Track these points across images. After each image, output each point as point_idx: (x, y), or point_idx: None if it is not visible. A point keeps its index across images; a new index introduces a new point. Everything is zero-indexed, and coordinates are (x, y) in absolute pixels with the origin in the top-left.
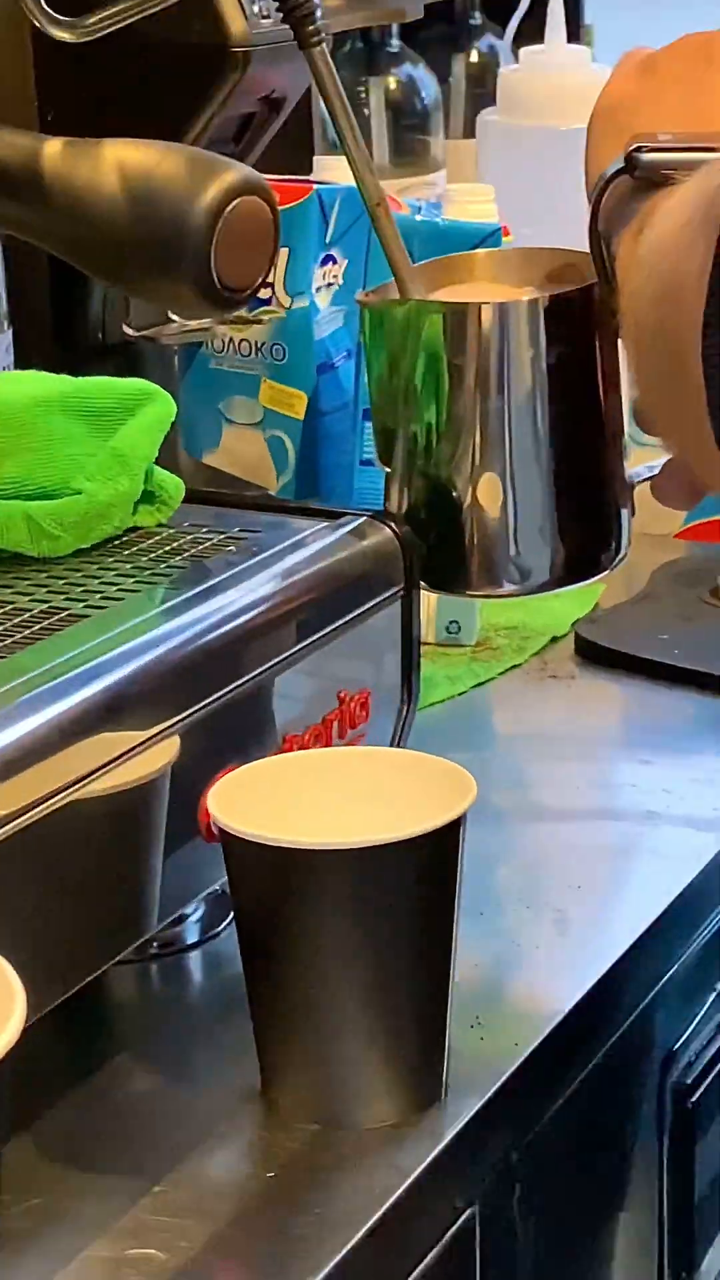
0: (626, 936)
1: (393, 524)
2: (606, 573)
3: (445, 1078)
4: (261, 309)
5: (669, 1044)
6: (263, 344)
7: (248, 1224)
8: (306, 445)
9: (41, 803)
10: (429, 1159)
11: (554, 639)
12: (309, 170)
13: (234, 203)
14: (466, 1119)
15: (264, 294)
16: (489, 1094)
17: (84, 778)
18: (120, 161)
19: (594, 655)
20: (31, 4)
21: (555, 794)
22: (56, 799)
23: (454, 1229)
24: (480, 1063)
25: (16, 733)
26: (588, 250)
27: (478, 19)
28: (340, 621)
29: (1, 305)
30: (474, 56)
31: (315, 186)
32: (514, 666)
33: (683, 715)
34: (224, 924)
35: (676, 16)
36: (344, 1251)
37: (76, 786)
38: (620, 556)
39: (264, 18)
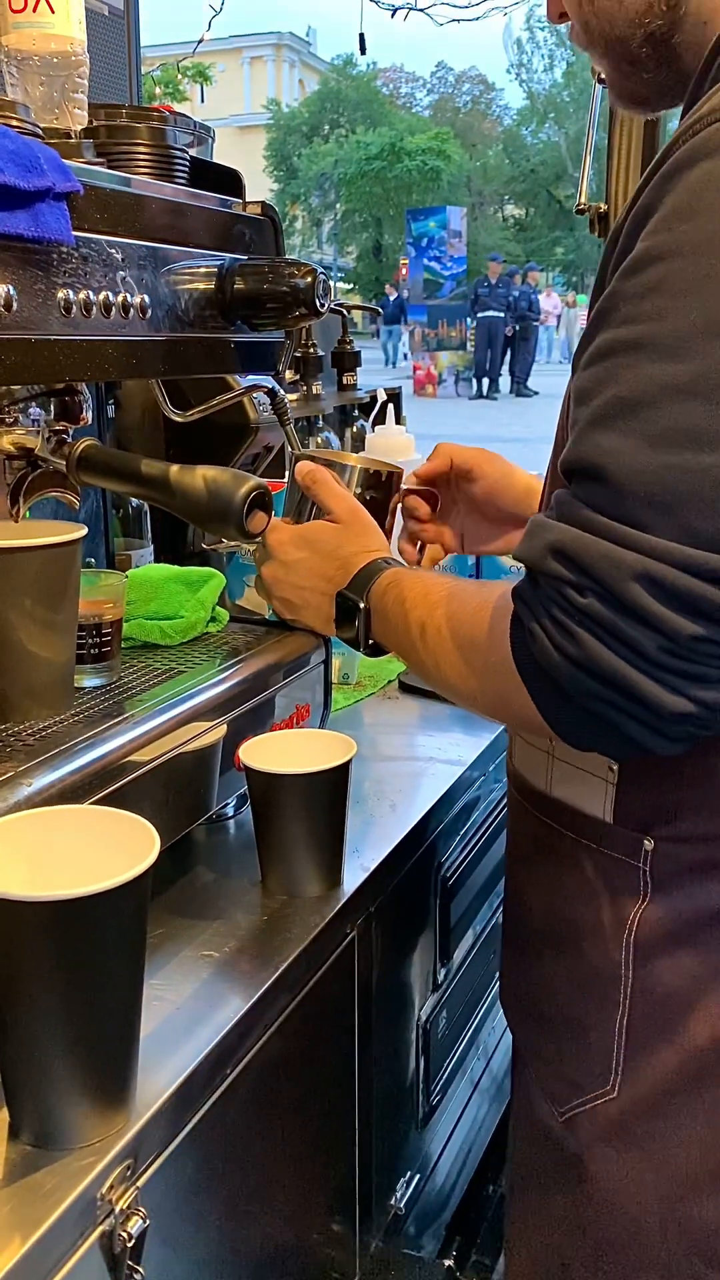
0: (420, 810)
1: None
2: None
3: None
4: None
5: (440, 858)
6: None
7: (252, 949)
8: None
9: (170, 751)
10: (337, 908)
11: (390, 680)
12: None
13: (253, 493)
14: (353, 890)
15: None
16: (361, 881)
17: (185, 742)
18: (203, 474)
19: (406, 688)
20: (163, 403)
21: (389, 749)
22: (174, 750)
23: (346, 940)
24: (359, 869)
25: (158, 721)
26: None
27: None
28: (298, 673)
29: (148, 534)
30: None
31: (284, 485)
32: (372, 693)
33: (443, 714)
34: (241, 809)
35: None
36: (304, 944)
37: (182, 745)
38: None
39: (264, 411)
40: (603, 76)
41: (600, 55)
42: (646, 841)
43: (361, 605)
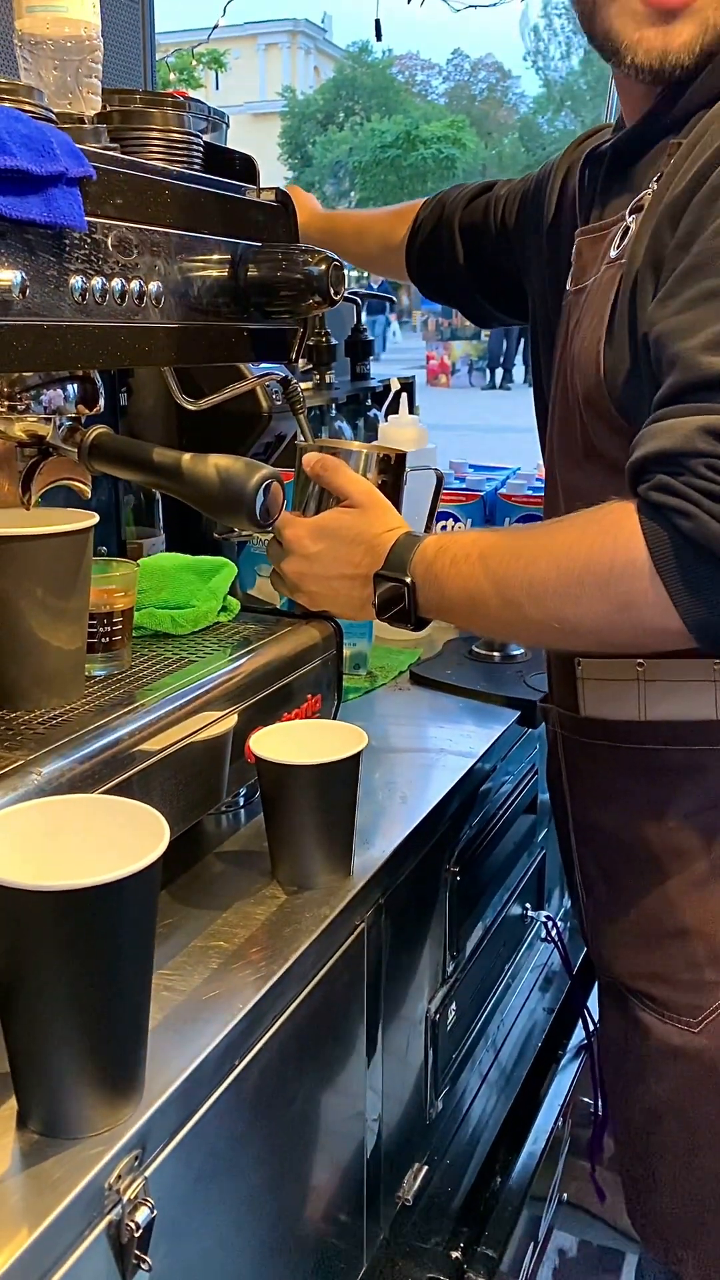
0: (431, 802)
1: (333, 621)
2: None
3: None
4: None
5: (451, 850)
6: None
7: (262, 940)
8: None
9: (181, 740)
10: (347, 899)
11: (401, 672)
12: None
13: (266, 482)
14: (363, 882)
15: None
16: (371, 872)
17: (195, 731)
18: (216, 463)
19: (418, 680)
20: (176, 392)
21: (399, 740)
22: (184, 740)
23: (355, 931)
24: (369, 860)
25: (168, 710)
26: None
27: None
28: (309, 663)
29: (160, 523)
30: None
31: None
32: (383, 683)
33: (455, 706)
34: (252, 798)
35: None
36: (314, 936)
37: (192, 734)
38: None
39: (277, 400)
40: None
41: None
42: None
43: (408, 580)
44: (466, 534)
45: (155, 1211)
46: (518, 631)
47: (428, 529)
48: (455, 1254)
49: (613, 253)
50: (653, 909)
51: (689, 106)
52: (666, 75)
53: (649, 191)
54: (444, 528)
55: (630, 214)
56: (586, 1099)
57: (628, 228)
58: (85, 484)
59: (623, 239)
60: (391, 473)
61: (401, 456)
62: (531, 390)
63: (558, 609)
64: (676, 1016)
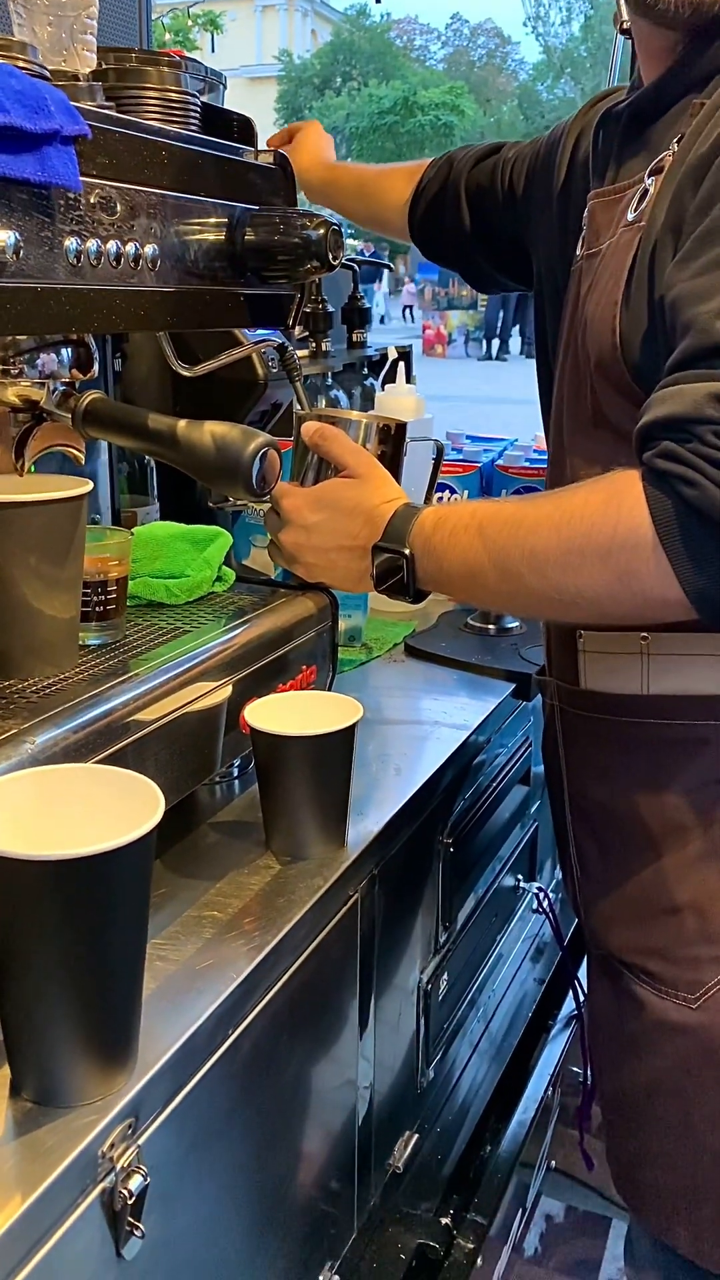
0: (425, 774)
1: (329, 592)
2: None
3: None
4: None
5: (444, 821)
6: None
7: (255, 910)
8: None
9: (175, 710)
10: (341, 870)
11: (396, 644)
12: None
13: (262, 450)
14: (357, 853)
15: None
16: (365, 844)
17: (190, 701)
18: (211, 430)
19: (412, 652)
20: (171, 357)
21: (394, 712)
22: (178, 710)
23: (349, 902)
24: (363, 831)
25: (162, 680)
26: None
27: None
28: (304, 634)
29: (154, 491)
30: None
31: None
32: (378, 655)
33: (450, 678)
34: (246, 766)
35: None
36: (308, 906)
37: (187, 705)
38: None
39: (273, 367)
40: (626, 28)
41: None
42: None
43: (407, 552)
44: (465, 505)
45: (149, 1179)
46: (518, 603)
47: (427, 500)
48: (445, 1220)
49: (630, 215)
50: (648, 885)
51: (714, 64)
52: (702, 18)
53: (669, 152)
54: (440, 499)
55: (649, 175)
56: (576, 1068)
57: (646, 189)
58: (79, 450)
59: (640, 201)
60: (391, 443)
61: (402, 426)
62: (532, 361)
63: (558, 579)
64: (674, 992)
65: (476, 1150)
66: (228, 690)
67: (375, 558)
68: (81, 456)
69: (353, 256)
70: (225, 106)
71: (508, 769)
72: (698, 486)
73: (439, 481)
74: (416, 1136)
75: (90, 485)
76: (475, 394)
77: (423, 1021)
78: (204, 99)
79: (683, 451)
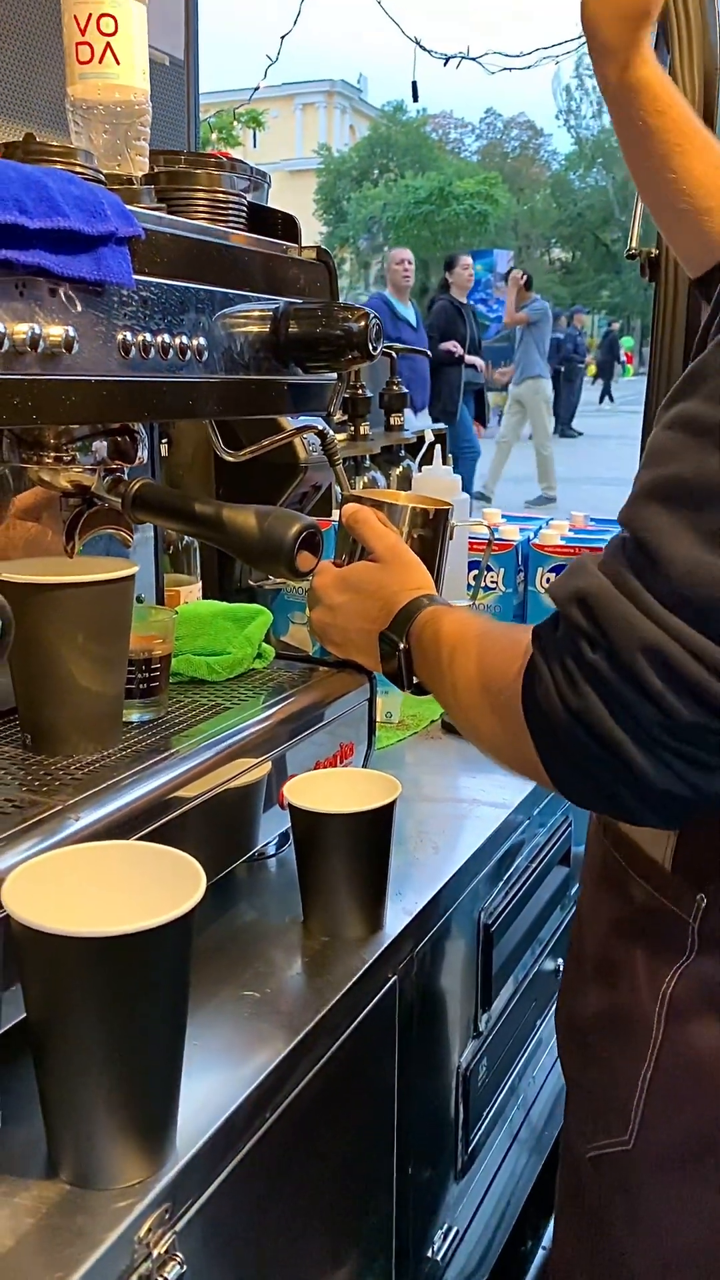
0: (464, 854)
1: (365, 669)
2: None
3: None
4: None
5: (483, 903)
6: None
7: (292, 991)
8: None
9: (216, 787)
10: (379, 951)
11: (432, 720)
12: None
13: (303, 533)
14: (395, 934)
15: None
16: (403, 924)
17: (230, 778)
18: (256, 513)
19: (449, 729)
20: (216, 443)
21: (432, 789)
22: (219, 786)
23: (387, 984)
24: (401, 911)
25: (208, 755)
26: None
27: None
28: (343, 711)
29: (197, 570)
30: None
31: (331, 522)
32: (414, 733)
33: (486, 756)
34: (283, 846)
35: None
36: (346, 988)
37: (227, 781)
38: None
39: (313, 451)
40: (633, 253)
41: None
42: (701, 897)
43: (401, 645)
44: (454, 612)
45: (185, 1267)
46: (460, 727)
47: (437, 582)
48: None
49: None
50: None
51: None
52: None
53: None
54: (476, 577)
55: None
56: None
57: None
58: (128, 534)
59: None
60: (429, 527)
61: (441, 511)
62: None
63: (464, 718)
64: None
65: (518, 1244)
66: (267, 767)
67: (381, 644)
68: (130, 539)
69: (391, 344)
70: (269, 204)
71: (547, 849)
72: (541, 682)
73: (473, 560)
74: (455, 1229)
75: (137, 566)
76: (510, 473)
77: (462, 1108)
78: (250, 197)
79: (547, 636)
